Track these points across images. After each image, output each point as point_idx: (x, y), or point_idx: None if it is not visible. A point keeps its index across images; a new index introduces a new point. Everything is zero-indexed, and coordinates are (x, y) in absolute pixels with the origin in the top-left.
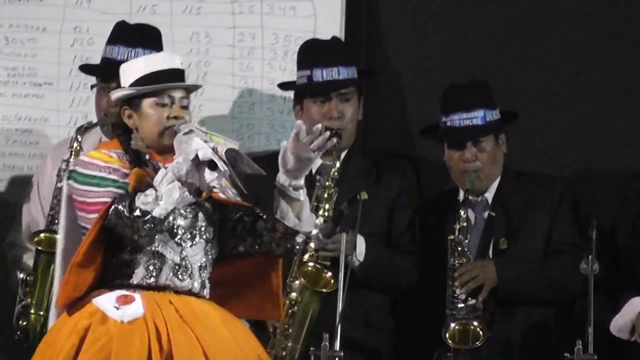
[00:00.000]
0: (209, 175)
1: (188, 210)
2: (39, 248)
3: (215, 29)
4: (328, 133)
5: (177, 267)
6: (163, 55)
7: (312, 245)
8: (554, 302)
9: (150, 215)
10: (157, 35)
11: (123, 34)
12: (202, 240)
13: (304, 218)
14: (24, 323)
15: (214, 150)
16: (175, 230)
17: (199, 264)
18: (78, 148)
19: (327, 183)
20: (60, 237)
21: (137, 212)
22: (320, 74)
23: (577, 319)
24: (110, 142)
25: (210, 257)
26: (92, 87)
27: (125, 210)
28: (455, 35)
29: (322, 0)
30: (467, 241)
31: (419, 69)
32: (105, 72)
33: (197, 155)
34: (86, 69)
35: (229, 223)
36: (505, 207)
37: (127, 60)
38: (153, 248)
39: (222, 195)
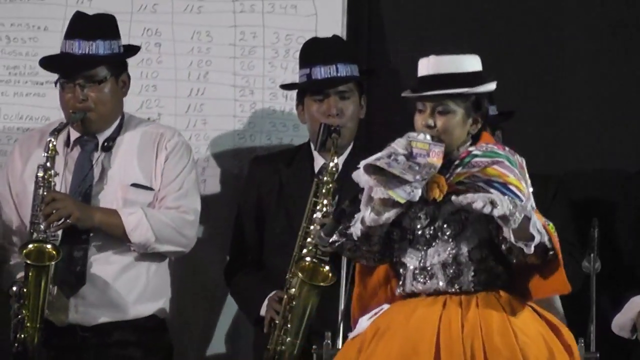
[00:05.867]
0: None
1: (423, 213)
2: (28, 262)
3: (217, 27)
4: None
5: (416, 272)
6: (431, 61)
7: (310, 240)
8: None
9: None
10: (113, 23)
11: (81, 27)
12: (444, 238)
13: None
14: (22, 335)
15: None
16: (410, 237)
17: (441, 263)
18: (53, 153)
19: (325, 178)
20: None
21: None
22: (319, 72)
23: (578, 317)
24: None
25: (461, 251)
26: (55, 83)
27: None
28: (456, 33)
29: None
30: None
31: None
32: (67, 69)
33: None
34: (48, 65)
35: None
36: None
37: (87, 54)
38: (395, 259)
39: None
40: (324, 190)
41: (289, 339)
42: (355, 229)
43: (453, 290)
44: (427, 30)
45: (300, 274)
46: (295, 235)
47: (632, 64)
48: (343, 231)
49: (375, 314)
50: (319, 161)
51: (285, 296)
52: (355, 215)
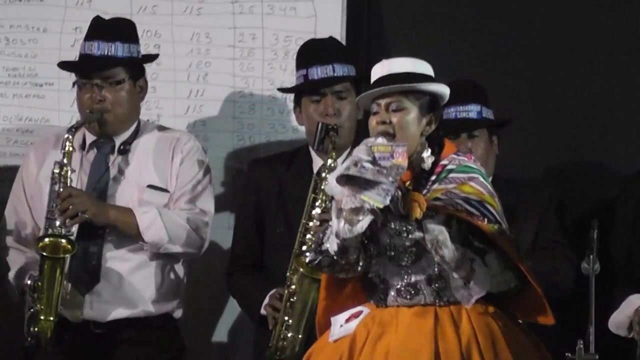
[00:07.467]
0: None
1: (405, 231)
2: (44, 254)
3: (216, 29)
4: None
5: (401, 289)
6: (384, 63)
7: (309, 236)
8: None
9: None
10: (133, 28)
11: (100, 29)
12: (429, 255)
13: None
14: (35, 329)
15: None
16: (391, 253)
17: (427, 278)
18: (70, 149)
19: (324, 174)
20: None
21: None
22: (316, 72)
23: (577, 319)
24: None
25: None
26: (73, 84)
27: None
28: (455, 36)
29: (323, 0)
30: None
31: None
32: (85, 69)
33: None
34: (66, 65)
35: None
36: None
37: (106, 55)
38: (373, 274)
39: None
40: (322, 186)
41: (290, 334)
42: (331, 244)
43: (442, 303)
44: (426, 31)
45: (300, 269)
46: (295, 236)
47: (631, 64)
48: (317, 249)
49: (356, 316)
50: (317, 162)
51: (286, 291)
52: (327, 231)
